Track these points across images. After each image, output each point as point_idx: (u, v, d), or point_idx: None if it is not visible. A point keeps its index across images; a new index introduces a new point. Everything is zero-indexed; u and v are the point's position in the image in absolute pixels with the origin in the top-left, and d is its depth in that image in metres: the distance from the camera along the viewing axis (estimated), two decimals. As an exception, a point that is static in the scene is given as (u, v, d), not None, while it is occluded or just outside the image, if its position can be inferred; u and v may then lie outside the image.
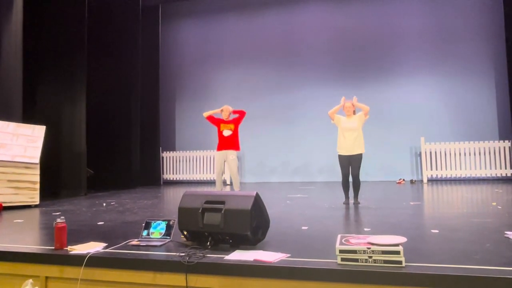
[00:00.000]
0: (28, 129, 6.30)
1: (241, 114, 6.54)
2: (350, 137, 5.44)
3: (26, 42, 7.22)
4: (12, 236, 3.62)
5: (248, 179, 11.04)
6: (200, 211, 2.81)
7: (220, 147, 6.38)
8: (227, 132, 6.36)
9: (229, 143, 6.35)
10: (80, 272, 2.59)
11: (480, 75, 9.66)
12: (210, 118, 6.54)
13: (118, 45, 10.15)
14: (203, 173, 11.19)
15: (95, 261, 2.63)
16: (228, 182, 10.74)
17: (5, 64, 6.79)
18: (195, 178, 11.28)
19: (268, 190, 8.29)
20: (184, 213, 2.90)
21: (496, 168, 9.13)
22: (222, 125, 6.42)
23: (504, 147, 9.07)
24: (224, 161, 6.39)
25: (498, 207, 4.72)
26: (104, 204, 6.16)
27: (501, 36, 9.26)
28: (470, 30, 9.78)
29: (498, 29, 9.42)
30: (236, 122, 6.47)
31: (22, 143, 6.15)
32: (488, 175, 9.23)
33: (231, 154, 6.32)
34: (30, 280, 2.64)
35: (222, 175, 6.48)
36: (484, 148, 9.21)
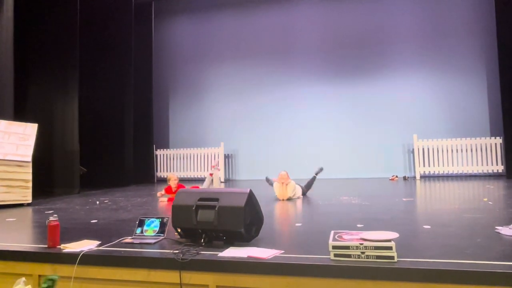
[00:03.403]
0: (19, 127, 6.24)
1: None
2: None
3: (17, 39, 7.14)
4: (5, 234, 3.60)
5: (241, 176, 11.04)
6: (193, 208, 2.81)
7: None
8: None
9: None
10: (73, 270, 2.59)
11: (471, 72, 9.73)
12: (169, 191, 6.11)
13: (111, 42, 10.06)
14: (197, 171, 11.16)
15: (88, 259, 2.62)
16: (222, 180, 10.72)
17: (-4, 61, 6.72)
18: (188, 176, 11.24)
19: (261, 187, 8.29)
20: (178, 210, 2.90)
21: (487, 165, 9.22)
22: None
23: (496, 144, 9.15)
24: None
25: (489, 202, 4.77)
26: (98, 202, 6.13)
27: (493, 33, 9.32)
28: (462, 27, 9.84)
29: (489, 26, 9.48)
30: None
31: (14, 141, 6.09)
32: (480, 171, 9.32)
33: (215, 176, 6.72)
34: (23, 279, 2.62)
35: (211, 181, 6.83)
36: (476, 144, 9.29)
